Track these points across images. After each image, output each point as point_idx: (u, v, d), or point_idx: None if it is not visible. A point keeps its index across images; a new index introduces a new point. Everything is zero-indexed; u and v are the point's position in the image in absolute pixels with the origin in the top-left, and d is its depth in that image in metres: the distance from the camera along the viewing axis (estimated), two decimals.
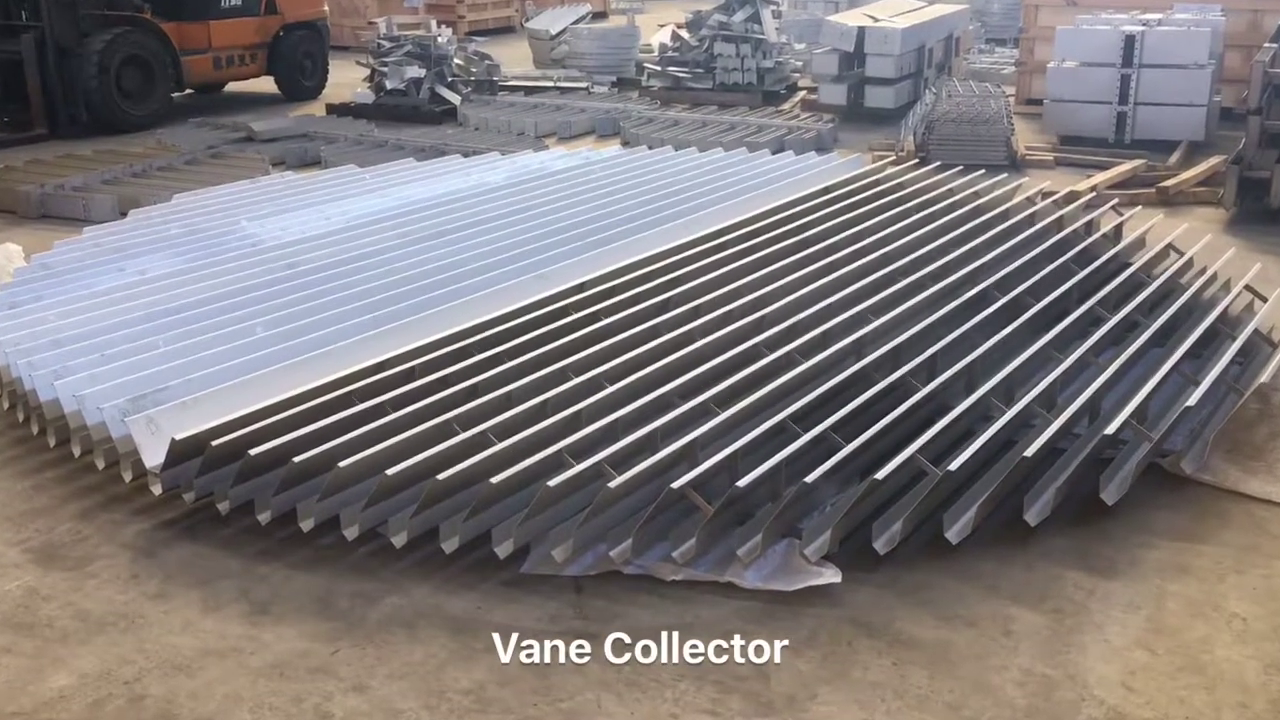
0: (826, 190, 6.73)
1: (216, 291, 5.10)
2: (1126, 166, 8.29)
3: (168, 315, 4.82)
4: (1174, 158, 8.75)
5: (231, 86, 13.02)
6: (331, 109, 11.79)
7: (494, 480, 3.37)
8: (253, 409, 3.90)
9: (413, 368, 4.26)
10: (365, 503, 3.49)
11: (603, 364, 4.25)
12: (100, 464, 3.99)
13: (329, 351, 4.41)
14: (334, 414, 3.86)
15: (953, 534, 3.47)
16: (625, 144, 9.70)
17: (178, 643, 3.14)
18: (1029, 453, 3.57)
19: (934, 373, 4.29)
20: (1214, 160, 8.21)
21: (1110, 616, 3.19)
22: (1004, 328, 4.62)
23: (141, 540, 3.67)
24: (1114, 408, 4.09)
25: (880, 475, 3.41)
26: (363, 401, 3.97)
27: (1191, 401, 3.91)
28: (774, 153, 8.31)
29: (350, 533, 3.52)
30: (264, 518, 3.62)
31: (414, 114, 11.34)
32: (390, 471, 3.44)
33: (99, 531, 3.73)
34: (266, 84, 12.83)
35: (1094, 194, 7.02)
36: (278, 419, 3.82)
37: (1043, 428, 3.89)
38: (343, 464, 3.48)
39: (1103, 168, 8.49)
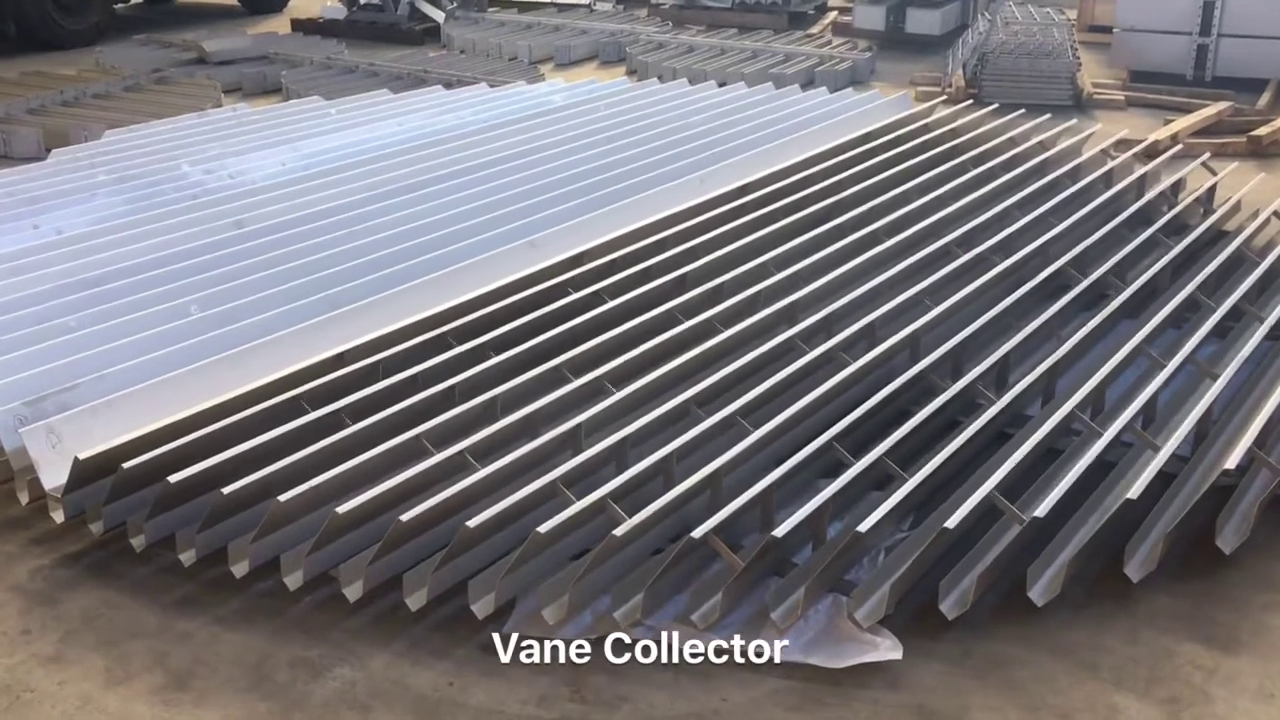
0: (868, 137, 6.25)
1: (146, 258, 4.61)
2: (1210, 110, 7.75)
3: (85, 288, 4.33)
4: (1264, 99, 8.23)
5: None
6: (297, 25, 11.28)
7: (471, 524, 2.93)
8: (179, 417, 3.45)
9: (377, 364, 3.80)
10: (312, 544, 3.04)
11: (606, 362, 3.79)
12: None
13: (277, 339, 3.95)
14: (280, 425, 3.41)
15: (1037, 594, 3.03)
16: (632, 74, 9.18)
17: None
18: (1133, 494, 3.12)
19: (1005, 377, 3.86)
20: None
21: (1238, 708, 2.75)
22: (1086, 317, 4.18)
23: (38, 581, 3.22)
24: (1223, 425, 3.66)
25: (951, 523, 2.97)
26: (315, 409, 3.51)
27: None
28: (804, 87, 7.80)
29: (293, 581, 3.07)
30: (187, 558, 3.17)
31: (391, 33, 10.85)
32: (343, 509, 2.98)
33: None
34: None
35: (1177, 144, 6.50)
36: (209, 431, 3.36)
37: (1140, 450, 3.46)
38: (283, 497, 3.03)
39: (1182, 110, 7.98)
